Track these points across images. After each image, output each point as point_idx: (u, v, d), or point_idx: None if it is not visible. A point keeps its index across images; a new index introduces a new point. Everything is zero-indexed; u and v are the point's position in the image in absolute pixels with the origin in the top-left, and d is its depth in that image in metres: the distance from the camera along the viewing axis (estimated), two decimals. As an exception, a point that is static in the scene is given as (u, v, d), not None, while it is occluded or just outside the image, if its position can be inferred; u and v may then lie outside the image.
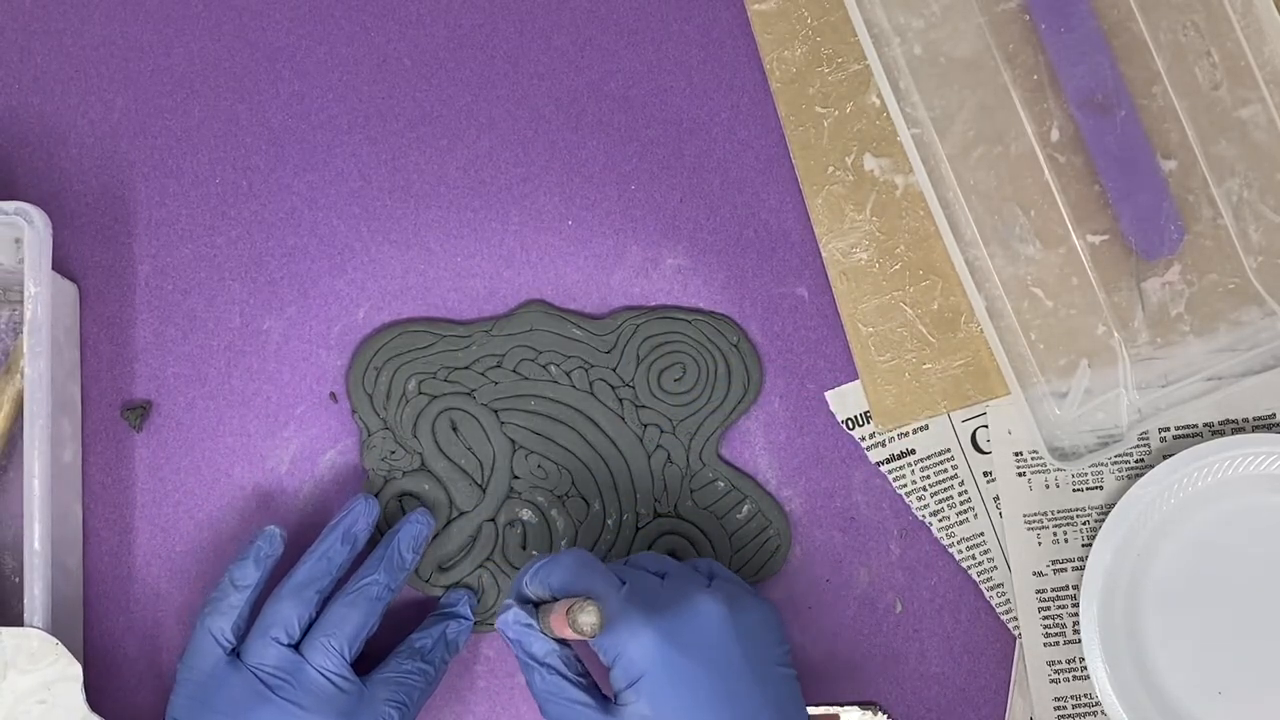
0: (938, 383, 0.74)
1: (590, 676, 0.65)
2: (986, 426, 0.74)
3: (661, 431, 0.74)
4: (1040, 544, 0.74)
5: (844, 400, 0.75)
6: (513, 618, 0.65)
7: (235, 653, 0.68)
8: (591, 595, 0.62)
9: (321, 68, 0.76)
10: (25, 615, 0.67)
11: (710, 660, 0.63)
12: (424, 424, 0.74)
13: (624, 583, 0.64)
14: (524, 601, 0.66)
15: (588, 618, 0.60)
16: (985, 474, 0.74)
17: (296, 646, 0.67)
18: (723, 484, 0.74)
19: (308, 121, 0.76)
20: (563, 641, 0.65)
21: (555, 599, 0.65)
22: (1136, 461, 0.74)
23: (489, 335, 0.74)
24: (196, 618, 0.70)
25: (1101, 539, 0.72)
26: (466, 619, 0.72)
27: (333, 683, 0.66)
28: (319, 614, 0.68)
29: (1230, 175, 0.72)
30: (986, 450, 0.74)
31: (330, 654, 0.67)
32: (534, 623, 0.65)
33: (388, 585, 0.69)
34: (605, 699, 0.64)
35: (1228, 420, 0.74)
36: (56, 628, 0.68)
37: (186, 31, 0.76)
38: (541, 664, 0.64)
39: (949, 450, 0.74)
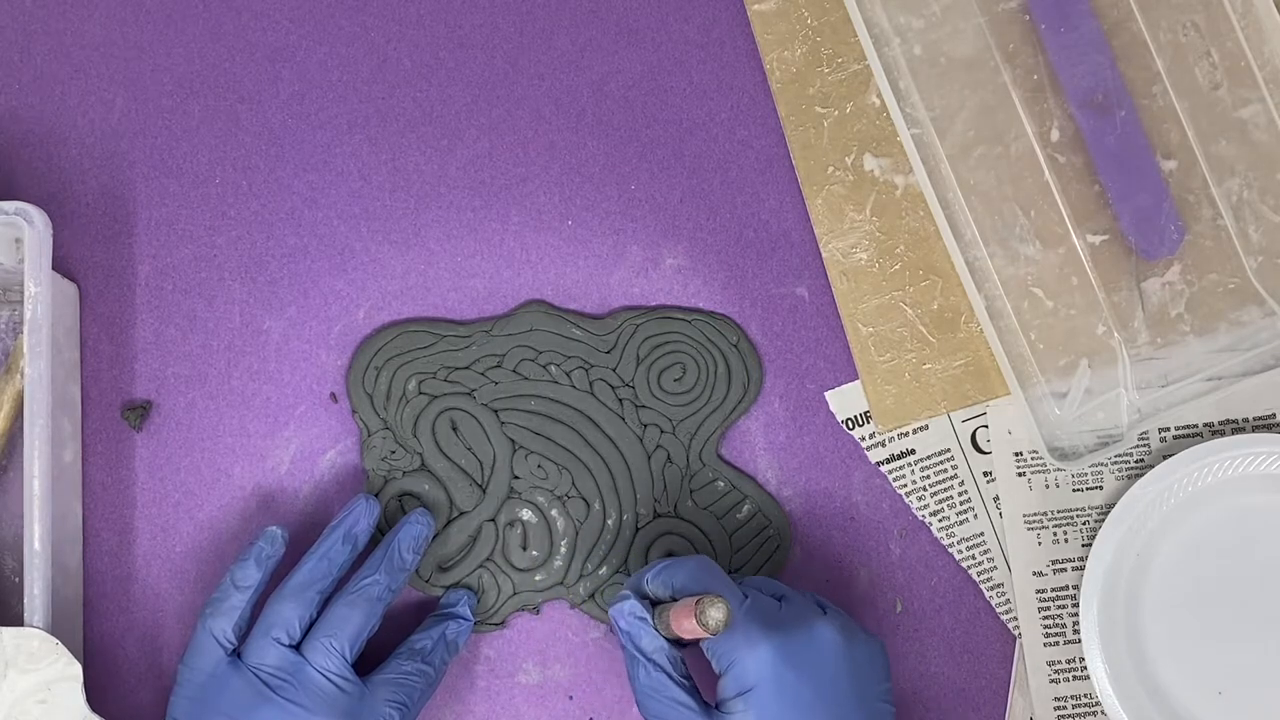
0: (938, 383, 0.74)
1: (693, 680, 0.66)
2: (986, 426, 0.74)
3: (661, 431, 0.74)
4: (1040, 544, 0.74)
5: (844, 400, 0.75)
6: (628, 609, 0.66)
7: (236, 653, 0.68)
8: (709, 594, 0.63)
9: (321, 68, 0.76)
10: (25, 615, 0.67)
11: (821, 684, 0.64)
12: (424, 424, 0.74)
13: (746, 596, 0.65)
14: (641, 597, 0.67)
15: (717, 612, 0.60)
16: (985, 474, 0.74)
17: (297, 647, 0.67)
18: (723, 484, 0.74)
19: (308, 121, 0.76)
20: (673, 642, 0.66)
21: (674, 600, 0.65)
22: (1136, 461, 0.74)
23: (489, 335, 0.74)
24: (197, 618, 0.70)
25: (1101, 539, 0.72)
26: (466, 619, 0.72)
27: (334, 683, 0.66)
28: (320, 614, 0.68)
29: (1230, 175, 0.72)
30: (986, 450, 0.74)
31: (331, 655, 0.67)
32: (649, 617, 0.65)
33: (388, 586, 0.69)
34: (706, 704, 0.65)
35: (1228, 420, 0.74)
36: (56, 628, 0.68)
37: (186, 31, 0.76)
38: (649, 659, 0.65)
39: (949, 450, 0.74)
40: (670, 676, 0.65)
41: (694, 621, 0.61)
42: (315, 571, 0.68)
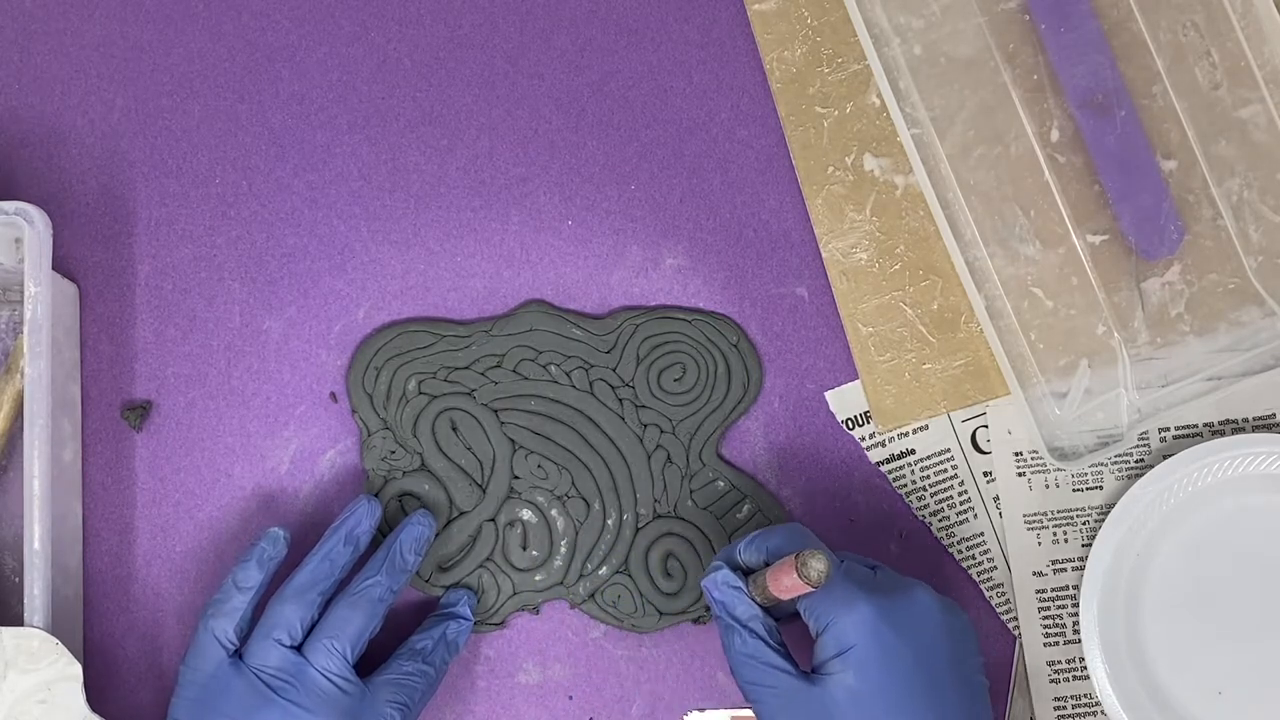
0: (938, 383, 0.74)
1: (787, 647, 0.66)
2: (986, 426, 0.74)
3: (661, 431, 0.74)
4: (1040, 544, 0.74)
5: (844, 400, 0.75)
6: (721, 578, 0.66)
7: (238, 654, 0.68)
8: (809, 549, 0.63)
9: (321, 68, 0.76)
10: (25, 615, 0.67)
11: (920, 647, 0.64)
12: (424, 424, 0.74)
13: (841, 560, 0.65)
14: (733, 568, 0.67)
15: (818, 564, 0.61)
16: (985, 474, 0.74)
17: (299, 648, 0.67)
18: (723, 484, 0.74)
19: (308, 121, 0.76)
20: (767, 611, 0.66)
21: (767, 566, 0.65)
22: (1136, 461, 0.74)
23: (489, 335, 0.74)
24: (198, 618, 0.70)
25: (1101, 539, 0.72)
26: (466, 619, 0.72)
27: (335, 684, 0.66)
28: (321, 616, 0.68)
29: (1230, 175, 0.72)
30: (986, 450, 0.74)
31: (333, 656, 0.67)
32: (743, 586, 0.66)
33: (390, 587, 0.69)
34: (802, 670, 0.65)
35: (1228, 420, 0.74)
36: (56, 628, 0.68)
37: (186, 31, 0.76)
38: (744, 626, 0.65)
39: (949, 450, 0.74)
40: (766, 642, 0.65)
41: (794, 576, 0.61)
42: (317, 573, 0.68)
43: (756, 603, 0.66)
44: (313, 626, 0.68)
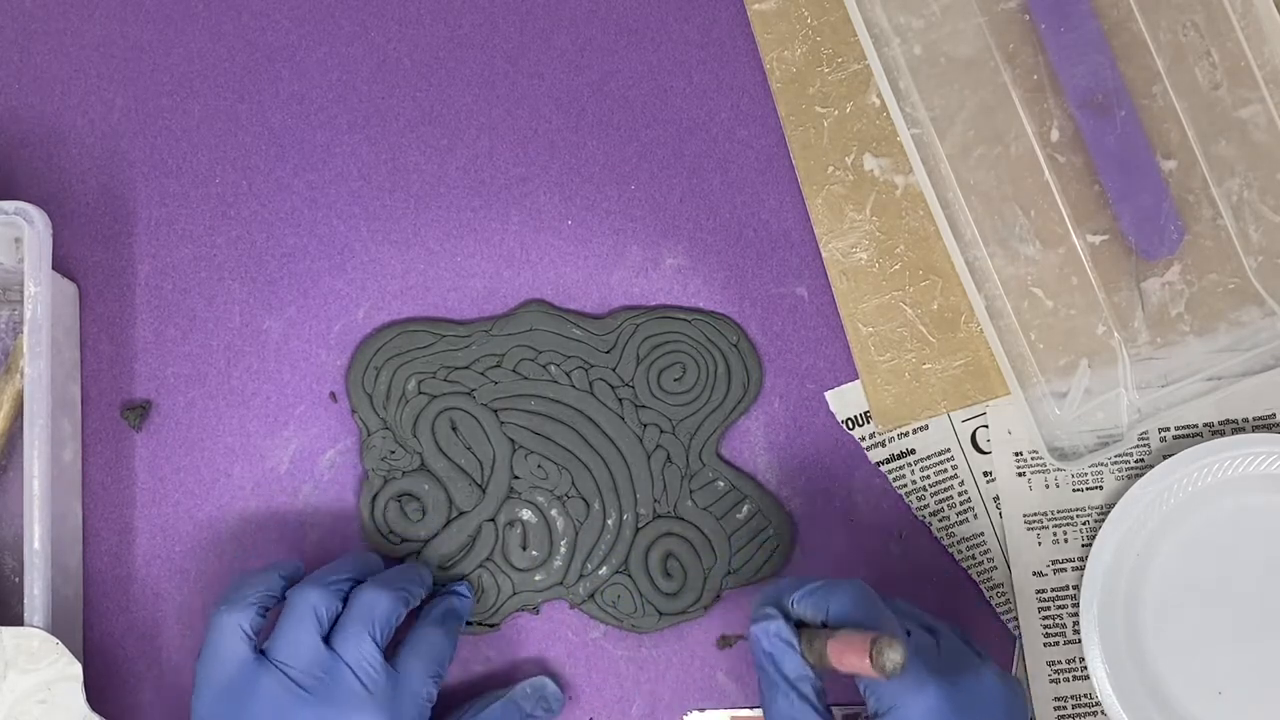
0: (938, 383, 0.74)
1: (832, 713, 0.62)
2: (986, 426, 0.74)
3: (661, 431, 0.74)
4: (1040, 544, 0.74)
5: (844, 400, 0.75)
6: (774, 629, 0.62)
7: (259, 650, 0.66)
8: (885, 634, 0.58)
9: (321, 68, 0.76)
10: (25, 615, 0.67)
11: None
12: (424, 424, 0.74)
13: (909, 632, 0.62)
14: (784, 615, 0.63)
15: (895, 654, 0.56)
16: (985, 474, 0.74)
17: (326, 639, 0.66)
18: (723, 484, 0.74)
19: (308, 121, 0.76)
20: (812, 668, 0.62)
21: (825, 625, 0.62)
22: (1136, 461, 0.74)
23: (489, 335, 0.74)
24: (210, 614, 0.67)
25: (1101, 539, 0.72)
26: (466, 596, 0.72)
27: (365, 678, 0.65)
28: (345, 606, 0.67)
29: (1230, 175, 0.72)
30: (986, 450, 0.74)
31: (363, 641, 0.65)
32: (795, 643, 0.62)
33: (408, 585, 0.68)
34: None
35: (1228, 420, 0.74)
36: (56, 628, 0.68)
37: (186, 31, 0.76)
38: (793, 686, 0.61)
39: (949, 450, 0.74)
40: (814, 708, 0.61)
41: (866, 661, 0.57)
42: (340, 567, 0.68)
43: (807, 661, 0.62)
44: (337, 620, 0.66)
